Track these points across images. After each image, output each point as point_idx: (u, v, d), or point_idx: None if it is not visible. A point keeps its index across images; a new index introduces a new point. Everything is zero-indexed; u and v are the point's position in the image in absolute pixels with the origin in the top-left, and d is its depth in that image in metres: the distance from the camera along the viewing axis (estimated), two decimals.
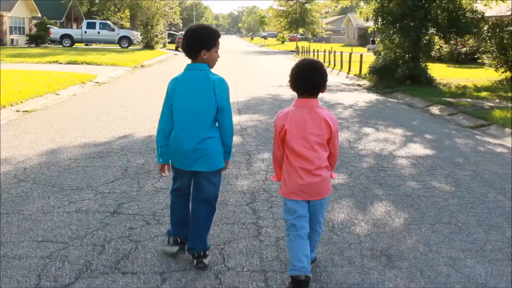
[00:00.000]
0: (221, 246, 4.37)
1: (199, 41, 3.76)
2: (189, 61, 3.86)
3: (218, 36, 3.90)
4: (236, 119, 10.41)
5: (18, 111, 10.37)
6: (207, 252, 3.99)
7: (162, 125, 3.86)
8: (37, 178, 6.08)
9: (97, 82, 16.41)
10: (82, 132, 8.71)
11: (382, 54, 19.54)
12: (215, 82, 3.72)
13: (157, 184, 6.02)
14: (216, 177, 3.95)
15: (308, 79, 3.54)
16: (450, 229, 4.96)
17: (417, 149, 8.42)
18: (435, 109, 13.07)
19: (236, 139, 8.54)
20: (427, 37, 18.69)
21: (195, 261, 3.94)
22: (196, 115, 3.73)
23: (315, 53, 34.54)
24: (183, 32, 4.07)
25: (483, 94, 15.51)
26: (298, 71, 3.57)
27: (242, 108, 12.09)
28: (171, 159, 3.90)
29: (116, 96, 13.62)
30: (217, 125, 3.85)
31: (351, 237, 4.68)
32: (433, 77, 18.23)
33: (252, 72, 23.73)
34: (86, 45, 44.86)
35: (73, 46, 41.83)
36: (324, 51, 31.59)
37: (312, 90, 3.57)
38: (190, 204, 4.04)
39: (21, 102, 11.01)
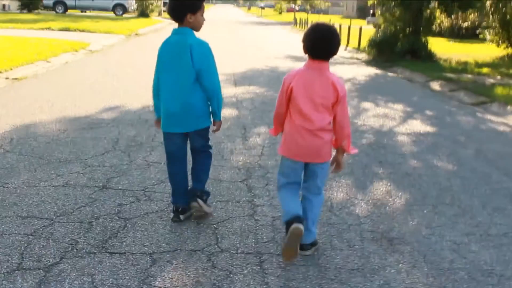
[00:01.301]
0: (215, 226, 4.17)
1: (184, 4, 3.85)
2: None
3: None
4: (232, 91, 10.14)
5: (7, 78, 10.03)
6: (204, 197, 4.24)
7: (153, 86, 4.07)
8: (24, 149, 5.83)
9: (90, 50, 15.95)
10: (72, 101, 8.42)
11: (382, 27, 19.15)
12: (192, 45, 3.80)
13: (149, 157, 5.78)
14: (204, 132, 4.13)
15: (325, 43, 3.54)
16: (453, 211, 4.77)
17: (418, 125, 8.20)
18: (435, 85, 12.81)
19: (231, 112, 8.29)
20: (428, 11, 18.30)
21: (190, 201, 4.16)
22: (176, 78, 3.86)
23: None
24: None
25: (484, 70, 15.22)
26: (315, 35, 3.54)
27: (238, 80, 11.77)
28: (162, 123, 4.06)
29: (110, 65, 13.25)
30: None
31: (351, 218, 4.48)
32: (433, 52, 17.88)
33: (249, 43, 23.27)
34: (82, 11, 43.93)
35: (67, 13, 40.92)
36: None
37: (326, 54, 3.56)
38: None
39: (11, 69, 10.64)
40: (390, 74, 15.13)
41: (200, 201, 4.15)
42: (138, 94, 9.26)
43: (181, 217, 4.20)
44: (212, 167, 4.54)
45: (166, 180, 5.05)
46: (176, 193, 4.23)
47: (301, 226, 3.46)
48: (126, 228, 4.03)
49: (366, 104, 9.76)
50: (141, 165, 5.52)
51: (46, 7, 41.97)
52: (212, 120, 4.13)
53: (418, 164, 6.19)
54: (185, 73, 3.82)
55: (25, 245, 3.66)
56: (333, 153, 3.78)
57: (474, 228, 4.41)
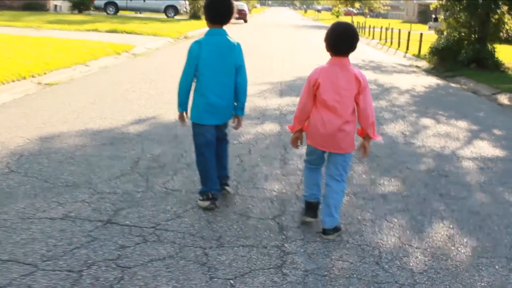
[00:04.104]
0: (231, 282, 3.35)
1: (230, 11, 4.30)
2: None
3: None
4: (276, 102, 9.30)
5: (39, 83, 9.51)
6: (228, 181, 4.76)
7: (184, 82, 4.34)
8: (31, 169, 5.17)
9: (134, 53, 15.39)
10: (100, 111, 7.77)
11: (445, 33, 17.84)
12: (235, 45, 4.32)
13: (170, 183, 5.03)
14: (228, 123, 4.61)
15: (345, 40, 3.93)
16: None
17: (485, 148, 7.14)
18: (504, 98, 11.56)
19: (272, 127, 7.46)
20: (496, 16, 16.91)
21: (222, 191, 4.68)
22: (221, 75, 4.27)
23: (371, 29, 32.78)
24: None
25: None
26: (336, 33, 3.94)
27: (284, 90, 10.87)
28: (200, 116, 4.36)
29: (150, 70, 12.59)
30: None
31: (403, 275, 3.58)
32: (501, 61, 16.48)
33: (302, 48, 22.32)
34: (136, 12, 43.96)
35: (118, 14, 40.93)
36: (381, 28, 29.78)
37: (347, 50, 3.94)
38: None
39: (45, 74, 10.13)
40: (452, 84, 13.91)
41: (228, 188, 4.74)
42: (173, 104, 8.46)
43: (217, 203, 4.48)
44: (240, 198, 4.76)
45: (183, 214, 4.32)
46: (211, 180, 4.48)
47: (312, 219, 4.23)
48: (122, 281, 3.27)
49: (426, 121, 8.72)
50: (159, 193, 4.76)
51: (98, 8, 42.06)
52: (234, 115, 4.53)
53: (486, 199, 5.20)
54: (230, 70, 4.29)
55: None
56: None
57: None
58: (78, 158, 5.60)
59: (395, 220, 4.53)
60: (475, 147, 7.18)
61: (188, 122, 4.50)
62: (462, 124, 8.63)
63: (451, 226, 4.49)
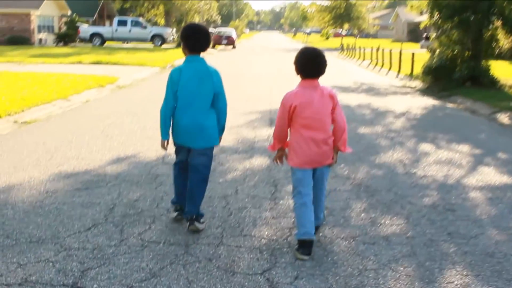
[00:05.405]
0: None
1: (208, 40, 4.53)
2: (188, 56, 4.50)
3: None
4: (265, 133, 8.78)
5: (15, 122, 8.97)
6: (200, 219, 4.56)
7: (165, 110, 4.48)
8: None
9: (118, 86, 14.84)
10: (77, 151, 7.22)
11: (438, 52, 17.45)
12: (213, 72, 4.49)
13: (146, 234, 4.48)
14: (209, 151, 4.59)
15: (315, 64, 4.14)
16: None
17: (491, 175, 6.63)
18: (503, 117, 11.09)
19: (261, 162, 6.93)
20: (489, 32, 16.57)
21: (188, 224, 4.54)
22: (198, 99, 4.42)
23: (361, 50, 32.50)
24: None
25: None
26: (305, 58, 4.16)
27: (274, 118, 10.32)
28: (175, 137, 4.56)
29: (133, 103, 12.02)
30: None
31: None
32: (496, 77, 16.09)
33: (290, 73, 21.62)
34: (123, 42, 43.63)
35: (104, 45, 40.51)
36: (372, 49, 29.48)
37: (317, 73, 4.16)
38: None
39: (22, 111, 9.60)
40: (449, 105, 13.45)
41: (197, 224, 4.52)
42: (156, 139, 7.95)
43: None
44: (226, 248, 4.25)
45: (160, 273, 3.80)
46: (179, 194, 4.70)
47: (306, 257, 4.10)
48: None
49: (425, 146, 8.21)
50: (133, 247, 4.22)
51: (83, 40, 41.65)
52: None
53: (500, 236, 4.67)
54: (207, 96, 4.45)
55: None
56: None
57: None
58: (47, 207, 5.05)
59: (401, 268, 4.00)
60: (481, 174, 6.67)
61: (169, 149, 4.68)
62: (464, 148, 8.13)
63: (464, 272, 3.96)
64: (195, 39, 4.45)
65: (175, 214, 4.76)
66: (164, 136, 4.53)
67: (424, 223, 4.93)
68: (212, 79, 4.45)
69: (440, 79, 16.39)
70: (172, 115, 4.47)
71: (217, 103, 4.51)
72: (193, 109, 4.41)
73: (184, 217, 4.60)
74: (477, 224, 4.96)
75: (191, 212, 4.50)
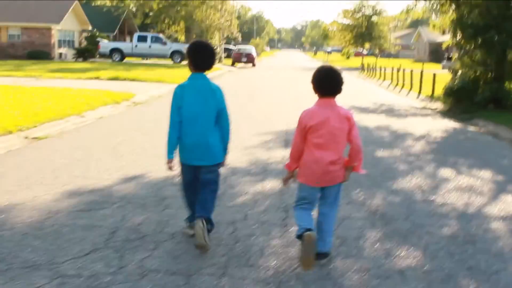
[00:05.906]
0: None
1: (213, 58, 4.60)
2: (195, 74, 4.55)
3: None
4: (280, 154, 8.53)
5: (26, 137, 8.87)
6: (208, 226, 4.42)
7: (171, 129, 4.49)
8: None
9: (134, 102, 14.75)
10: (84, 169, 7.06)
11: (460, 73, 17.10)
12: (216, 89, 4.53)
13: (147, 261, 4.26)
14: (216, 167, 4.60)
15: (331, 83, 4.17)
16: None
17: None
18: None
19: (273, 185, 6.68)
20: None
21: (196, 222, 4.36)
22: (202, 116, 4.43)
23: (382, 70, 32.17)
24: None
25: None
26: (321, 76, 4.19)
27: (290, 140, 10.05)
28: (181, 156, 4.59)
29: (147, 120, 11.91)
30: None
31: None
32: None
33: (309, 92, 21.43)
34: (143, 59, 43.68)
35: (123, 61, 40.53)
36: (392, 69, 29.10)
37: (334, 92, 4.17)
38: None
39: (35, 127, 9.51)
40: (470, 128, 13.08)
41: (204, 224, 4.29)
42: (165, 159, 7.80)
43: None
44: (229, 281, 3.97)
45: None
46: (193, 204, 4.65)
47: (313, 233, 4.03)
48: None
49: (445, 172, 7.89)
50: (132, 276, 4.00)
51: (103, 55, 41.73)
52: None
53: None
54: (210, 113, 4.46)
55: None
56: None
57: None
58: (46, 229, 4.87)
59: None
60: (503, 202, 6.35)
61: (175, 168, 4.66)
62: (486, 174, 7.80)
63: None
64: (201, 56, 4.50)
65: (192, 232, 4.62)
66: (169, 155, 4.52)
67: (442, 256, 4.64)
68: (215, 95, 4.49)
69: (461, 101, 16.03)
70: (178, 134, 4.46)
71: (220, 120, 4.54)
72: (198, 126, 4.44)
73: (196, 216, 4.43)
74: (499, 258, 4.65)
75: (202, 215, 4.41)
